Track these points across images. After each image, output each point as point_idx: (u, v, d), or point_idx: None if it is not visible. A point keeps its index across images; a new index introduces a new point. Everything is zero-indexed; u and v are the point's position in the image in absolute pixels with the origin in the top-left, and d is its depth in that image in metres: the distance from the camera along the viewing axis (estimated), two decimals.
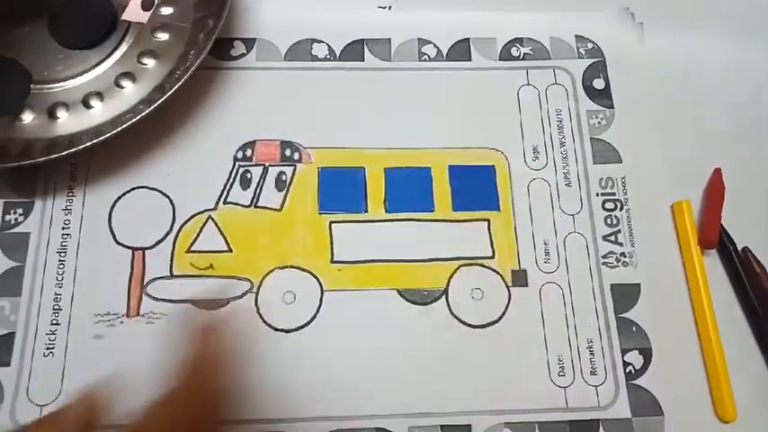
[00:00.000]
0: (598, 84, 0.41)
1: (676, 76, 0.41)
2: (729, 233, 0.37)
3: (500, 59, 0.41)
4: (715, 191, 0.38)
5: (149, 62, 0.38)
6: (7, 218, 0.35)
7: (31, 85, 0.37)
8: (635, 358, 0.35)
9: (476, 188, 0.38)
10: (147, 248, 0.35)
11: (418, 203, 0.37)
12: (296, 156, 0.38)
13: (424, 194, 0.37)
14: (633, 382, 0.35)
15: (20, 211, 0.35)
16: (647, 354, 0.35)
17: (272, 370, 0.33)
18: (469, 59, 0.41)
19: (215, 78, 0.39)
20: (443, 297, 0.35)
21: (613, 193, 0.38)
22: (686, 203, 0.38)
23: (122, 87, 0.38)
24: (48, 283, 0.34)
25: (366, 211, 0.37)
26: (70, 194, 0.36)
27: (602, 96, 0.40)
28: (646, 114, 0.40)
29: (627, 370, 0.35)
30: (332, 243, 0.36)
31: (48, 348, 0.33)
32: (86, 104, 0.37)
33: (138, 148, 0.37)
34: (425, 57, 0.41)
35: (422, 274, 0.36)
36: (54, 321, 0.33)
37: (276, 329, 0.34)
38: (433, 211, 0.37)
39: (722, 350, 0.35)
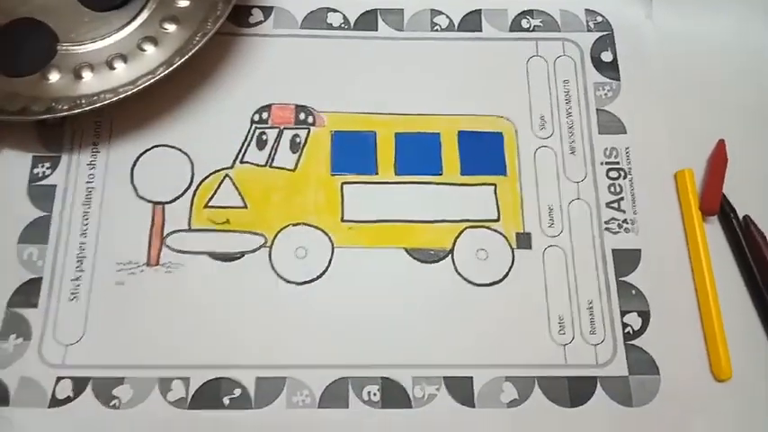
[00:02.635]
0: (606, 56, 0.44)
1: (683, 49, 0.44)
2: (731, 202, 0.41)
3: (510, 30, 0.44)
4: (718, 161, 0.41)
5: (171, 27, 0.42)
6: (36, 171, 0.39)
7: (58, 47, 0.41)
8: (633, 320, 0.38)
9: (484, 154, 0.41)
10: (167, 203, 0.39)
11: (427, 167, 0.41)
12: (310, 119, 0.41)
13: (433, 158, 0.41)
14: (631, 342, 0.38)
15: (47, 164, 0.39)
16: (645, 316, 0.38)
17: (283, 319, 0.37)
18: (480, 30, 0.44)
19: (234, 44, 0.43)
20: (449, 256, 0.39)
21: (617, 162, 0.41)
22: (689, 172, 0.41)
23: (144, 51, 0.41)
24: (73, 233, 0.38)
25: (377, 174, 0.40)
26: (95, 150, 0.40)
27: (610, 69, 0.44)
28: (651, 87, 0.43)
29: (625, 331, 0.38)
30: (343, 203, 0.39)
31: (72, 293, 0.37)
32: (110, 66, 0.41)
33: (160, 108, 0.41)
34: (437, 27, 0.44)
35: (429, 235, 0.39)
36: (78, 268, 0.37)
37: (288, 282, 0.38)
38: (441, 174, 0.40)
39: (720, 312, 0.38)
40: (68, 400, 0.35)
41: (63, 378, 0.35)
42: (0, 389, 0.34)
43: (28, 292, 0.36)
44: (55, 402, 0.35)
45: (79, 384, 0.35)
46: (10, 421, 0.34)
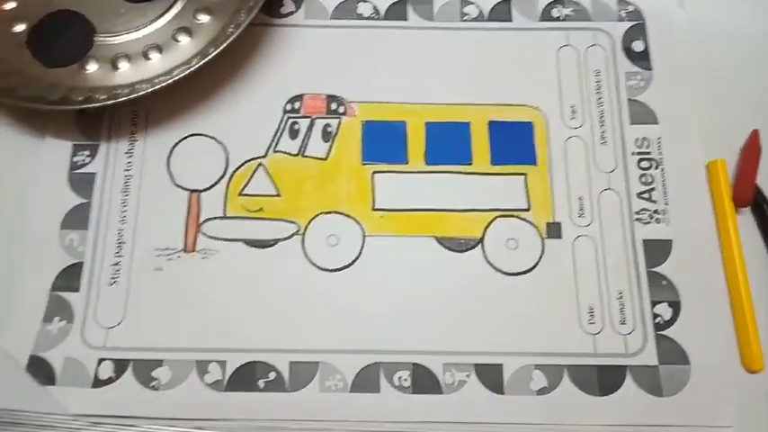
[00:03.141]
0: (637, 46, 0.44)
1: (715, 39, 0.44)
2: (764, 193, 0.41)
3: (540, 20, 0.45)
4: (752, 151, 0.41)
5: (204, 18, 0.43)
6: (75, 159, 0.41)
7: (95, 38, 0.42)
8: (664, 310, 0.39)
9: (514, 143, 0.42)
10: (203, 191, 0.40)
11: (457, 156, 0.41)
12: (341, 109, 0.42)
13: (463, 148, 0.41)
14: (661, 332, 0.38)
15: (87, 152, 0.41)
16: (676, 306, 0.38)
17: (316, 306, 0.38)
18: (510, 20, 0.45)
19: (266, 34, 0.44)
20: (479, 246, 0.40)
21: (648, 153, 0.42)
22: (721, 162, 0.41)
23: (179, 41, 0.42)
24: (112, 219, 0.39)
25: (407, 163, 0.41)
26: (132, 139, 0.41)
27: (641, 58, 0.44)
28: (684, 76, 0.43)
29: (656, 321, 0.38)
30: (374, 192, 0.40)
31: (112, 278, 0.38)
32: (146, 56, 0.42)
33: (195, 98, 0.42)
34: (467, 16, 0.45)
35: (459, 224, 0.40)
36: (118, 254, 0.39)
37: (320, 269, 0.39)
38: (471, 163, 0.41)
39: (751, 302, 0.38)
40: (110, 380, 0.36)
41: (105, 359, 0.37)
42: (47, 369, 0.36)
43: (70, 277, 0.38)
44: (98, 383, 0.36)
45: (120, 366, 0.36)
46: (57, 400, 0.35)
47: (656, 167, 0.41)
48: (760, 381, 0.37)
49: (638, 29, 0.44)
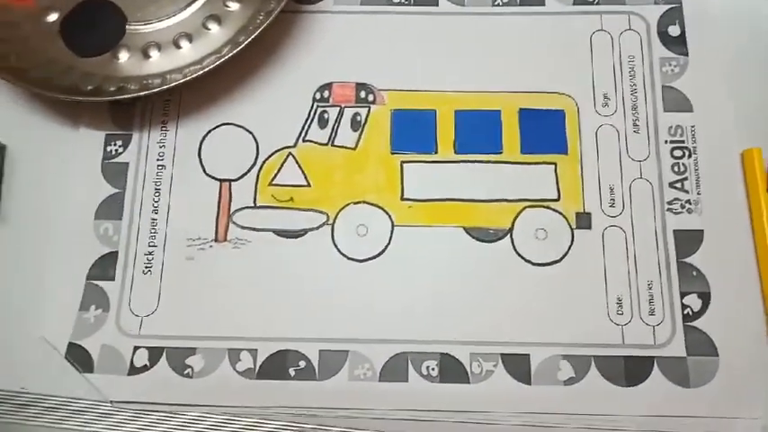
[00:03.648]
0: (673, 30, 0.43)
1: (754, 23, 0.43)
2: None
3: (574, 4, 0.43)
4: None
5: (234, 5, 0.43)
6: (108, 149, 0.41)
7: (126, 26, 0.42)
8: (693, 301, 0.38)
9: (544, 132, 0.41)
10: (233, 180, 0.40)
11: (487, 145, 0.41)
12: (370, 97, 0.42)
13: (493, 137, 0.41)
14: (690, 323, 0.38)
15: (119, 142, 0.41)
16: (705, 298, 0.38)
17: (345, 295, 0.38)
18: (543, 4, 0.43)
19: (294, 21, 0.43)
20: (508, 236, 0.39)
21: (682, 141, 0.41)
22: (757, 151, 0.40)
23: (209, 29, 0.42)
24: (145, 209, 0.40)
25: (436, 152, 0.41)
26: (164, 129, 0.41)
27: (677, 43, 0.43)
28: (720, 63, 0.42)
29: (685, 312, 0.38)
30: (403, 181, 0.40)
31: (146, 267, 0.39)
32: (176, 45, 0.42)
33: (225, 86, 0.42)
34: (498, 2, 0.44)
35: (488, 214, 0.40)
36: (151, 243, 0.39)
37: (350, 259, 0.39)
38: (501, 152, 0.41)
39: None
40: (145, 368, 0.37)
41: (140, 348, 0.37)
42: (85, 356, 0.37)
43: (105, 266, 0.39)
44: (133, 370, 0.37)
45: (155, 354, 0.37)
46: (96, 387, 0.36)
47: (690, 156, 0.41)
48: None
49: (674, 13, 0.43)
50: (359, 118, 0.41)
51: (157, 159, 0.41)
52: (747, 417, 0.36)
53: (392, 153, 0.41)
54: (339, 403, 0.36)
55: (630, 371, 0.37)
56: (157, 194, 0.40)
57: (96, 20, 0.43)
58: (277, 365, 0.37)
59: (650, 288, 0.38)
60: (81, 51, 0.42)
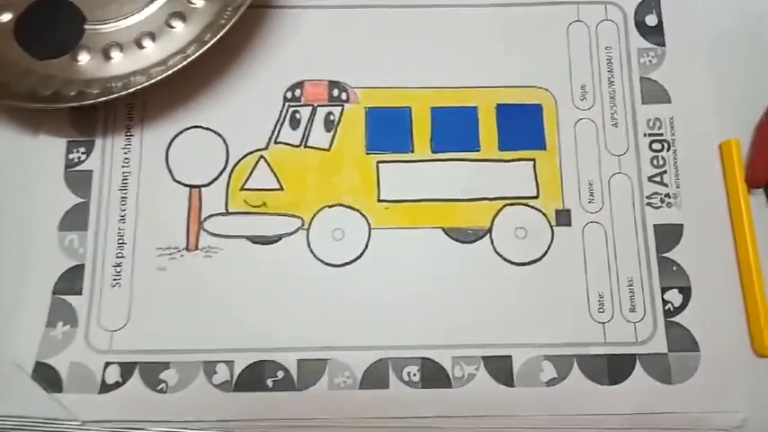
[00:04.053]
0: (650, 20, 0.42)
1: (731, 12, 0.42)
2: None
3: None
4: (766, 130, 0.40)
5: (199, 2, 0.41)
6: (71, 156, 0.39)
7: (85, 26, 0.40)
8: (674, 296, 0.38)
9: (522, 127, 0.40)
10: (203, 186, 0.39)
11: (464, 143, 0.40)
12: (343, 96, 0.40)
13: (471, 134, 0.40)
14: (671, 319, 0.37)
15: (82, 149, 0.39)
16: (686, 292, 0.38)
17: (323, 302, 0.37)
18: None
19: (264, 17, 0.42)
20: (488, 236, 0.38)
21: (661, 134, 0.40)
22: (735, 142, 0.39)
23: (173, 27, 0.40)
24: (111, 219, 0.38)
25: (412, 151, 0.39)
26: (128, 134, 0.39)
27: (654, 34, 0.42)
28: (698, 53, 0.41)
29: (666, 308, 0.38)
30: (379, 182, 0.39)
31: (115, 279, 0.37)
32: (139, 45, 0.40)
33: (191, 87, 0.40)
34: None
35: (467, 214, 0.39)
36: (119, 254, 0.38)
37: (326, 264, 0.38)
38: (479, 150, 0.40)
39: (762, 286, 0.37)
40: (117, 384, 0.36)
41: (111, 363, 0.36)
42: (53, 375, 0.36)
43: (72, 279, 0.37)
44: (105, 387, 0.36)
45: (127, 369, 0.36)
46: (65, 407, 0.35)
47: (668, 149, 0.40)
48: None
49: (651, 1, 0.42)
50: (332, 117, 0.40)
51: (123, 166, 0.39)
52: (729, 410, 0.36)
53: (367, 153, 0.39)
54: (319, 413, 0.36)
55: (613, 369, 0.36)
56: (124, 203, 0.38)
57: (53, 19, 0.40)
58: (255, 377, 0.36)
59: (631, 284, 0.38)
60: (38, 53, 0.40)
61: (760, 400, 0.36)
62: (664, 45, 0.41)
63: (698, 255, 0.38)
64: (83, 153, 0.39)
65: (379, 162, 0.39)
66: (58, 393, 0.35)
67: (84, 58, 0.40)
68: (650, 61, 0.41)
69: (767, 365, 0.37)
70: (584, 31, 0.42)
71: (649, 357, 0.37)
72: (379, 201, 0.39)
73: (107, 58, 0.40)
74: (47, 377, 0.35)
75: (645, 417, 0.36)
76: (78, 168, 0.39)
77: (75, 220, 0.38)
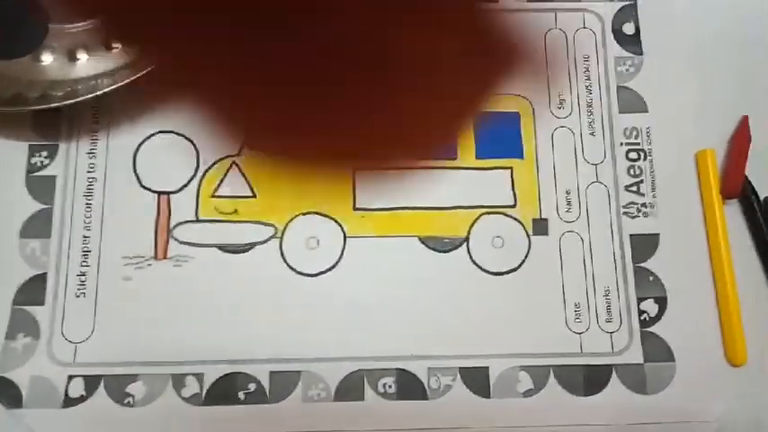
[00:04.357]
0: (628, 29, 0.42)
1: (710, 21, 0.42)
2: (753, 184, 0.40)
3: (528, 1, 0.42)
4: (741, 139, 0.40)
5: None
6: (33, 160, 0.38)
7: (50, 25, 0.39)
8: (650, 306, 0.38)
9: (500, 135, 0.40)
10: (172, 193, 0.38)
11: (441, 150, 0.39)
12: None
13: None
14: (647, 329, 0.37)
15: (44, 153, 0.38)
16: (662, 302, 0.38)
17: (296, 312, 0.37)
18: (496, 1, 0.42)
19: None
20: (464, 245, 0.38)
21: (638, 143, 0.40)
22: (710, 152, 0.40)
23: None
24: (76, 226, 0.37)
25: None
26: (94, 138, 0.38)
27: (632, 42, 0.42)
28: (675, 62, 0.42)
29: (642, 318, 0.38)
30: (354, 190, 0.38)
31: (79, 289, 0.36)
32: (106, 46, 0.39)
33: (159, 90, 0.39)
34: None
35: (443, 222, 0.38)
36: (84, 263, 0.36)
37: (300, 273, 0.37)
38: (455, 158, 0.39)
39: (737, 296, 0.38)
40: (82, 399, 0.35)
41: (75, 376, 0.35)
42: (13, 390, 0.34)
43: (33, 289, 0.36)
44: (68, 402, 0.34)
45: (91, 383, 0.35)
46: (26, 424, 0.34)
47: (645, 158, 0.40)
48: (743, 375, 0.37)
49: (629, 9, 0.42)
50: None
51: (88, 171, 0.38)
52: (703, 420, 0.36)
53: None
54: (293, 426, 0.35)
55: (589, 380, 0.36)
56: (89, 210, 0.37)
57: (14, 17, 0.39)
58: (225, 390, 0.35)
59: (607, 294, 0.38)
60: None
61: (734, 409, 0.37)
62: (641, 54, 0.42)
63: (673, 265, 0.38)
64: (45, 157, 0.38)
65: (354, 169, 0.39)
66: (18, 409, 0.34)
67: (47, 58, 0.38)
68: (627, 70, 0.41)
69: (741, 375, 0.37)
70: (562, 38, 0.42)
71: (625, 368, 0.37)
72: (355, 209, 0.38)
73: (72, 59, 0.38)
74: (6, 392, 0.34)
75: (621, 427, 0.36)
76: (41, 173, 0.38)
77: (37, 227, 0.37)
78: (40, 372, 0.35)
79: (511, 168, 0.39)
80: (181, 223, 0.37)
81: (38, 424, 0.34)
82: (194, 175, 0.38)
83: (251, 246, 0.37)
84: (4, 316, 0.35)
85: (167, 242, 0.37)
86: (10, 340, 0.35)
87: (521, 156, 0.40)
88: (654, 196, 0.39)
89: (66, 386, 0.35)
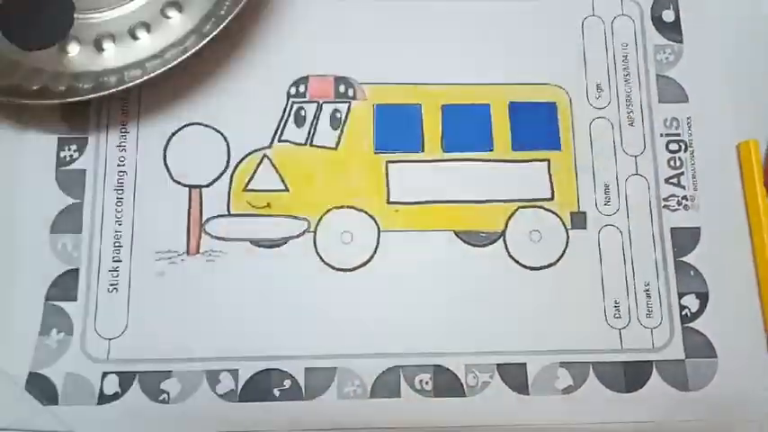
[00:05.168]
0: (667, 16, 0.42)
1: (750, 8, 0.42)
2: None
3: None
4: None
5: None
6: (62, 154, 0.38)
7: (75, 15, 0.39)
8: (691, 302, 0.38)
9: (536, 126, 0.40)
10: (204, 186, 0.38)
11: (476, 142, 0.40)
12: (350, 92, 0.40)
13: (483, 133, 0.40)
14: (688, 325, 0.38)
15: (74, 147, 0.38)
16: (703, 297, 0.38)
17: (331, 308, 0.37)
18: None
19: (266, 8, 0.41)
20: (501, 239, 0.38)
21: (678, 134, 0.40)
22: (753, 143, 0.40)
23: (169, 17, 0.39)
24: (107, 221, 0.37)
25: (423, 151, 0.39)
26: (123, 130, 0.39)
27: (671, 30, 0.42)
28: (716, 50, 0.42)
29: (683, 313, 0.38)
30: (388, 183, 0.39)
31: (111, 285, 0.37)
32: (133, 36, 0.39)
33: (189, 82, 0.39)
34: None
35: (479, 216, 0.39)
36: (116, 258, 0.37)
37: (335, 269, 0.38)
38: (491, 150, 0.39)
39: None
40: (116, 396, 0.35)
41: (109, 373, 0.35)
42: (48, 386, 0.35)
43: (66, 285, 0.36)
44: (103, 399, 0.35)
45: (126, 379, 0.35)
46: (61, 420, 0.34)
47: (686, 150, 0.40)
48: None
49: None
50: (339, 115, 0.40)
51: (118, 165, 0.38)
52: (747, 418, 0.37)
53: (376, 152, 0.39)
54: (328, 423, 0.36)
55: (629, 376, 0.37)
56: (120, 204, 0.38)
57: (39, 6, 0.39)
58: (260, 386, 0.36)
59: (648, 289, 0.38)
60: (24, 44, 0.39)
61: None
62: (681, 42, 0.42)
63: (715, 259, 0.39)
64: (75, 151, 0.38)
65: (388, 162, 0.39)
66: (54, 405, 0.35)
67: (74, 49, 0.39)
68: (667, 58, 0.41)
69: None
70: (600, 26, 0.42)
71: (666, 364, 0.37)
72: (389, 203, 0.39)
73: (99, 49, 0.39)
74: (41, 389, 0.35)
75: (662, 424, 0.36)
76: (70, 167, 0.38)
77: (68, 221, 0.37)
78: (74, 368, 0.35)
79: (548, 160, 0.40)
80: (213, 218, 0.38)
81: (74, 420, 0.35)
82: (225, 169, 0.38)
83: (284, 240, 0.38)
84: (37, 312, 0.36)
85: (200, 237, 0.37)
86: (44, 336, 0.36)
87: (558, 147, 0.40)
88: (695, 189, 0.40)
89: (101, 383, 0.35)
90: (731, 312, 0.38)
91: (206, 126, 0.39)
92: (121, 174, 0.38)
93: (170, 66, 0.36)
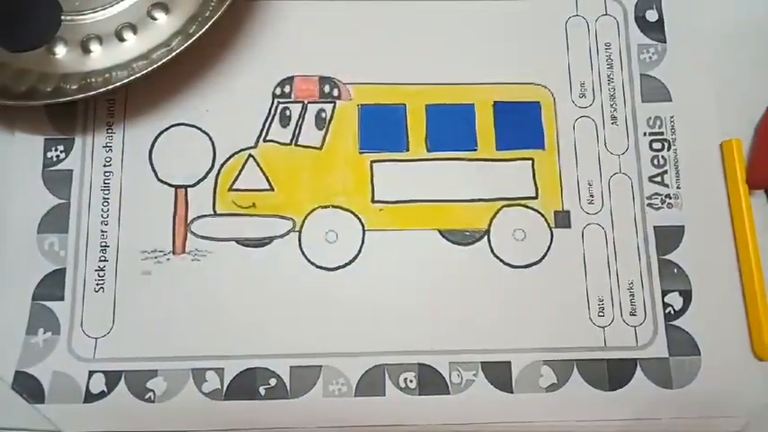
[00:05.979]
0: (651, 15, 0.43)
1: (734, 8, 0.44)
2: None
3: None
4: (767, 129, 0.41)
5: None
6: (49, 155, 0.40)
7: (62, 17, 0.41)
8: (675, 300, 0.39)
9: (520, 126, 0.41)
10: (189, 186, 0.39)
11: (461, 142, 0.41)
12: (335, 92, 0.41)
13: (467, 132, 0.41)
14: (672, 323, 0.39)
15: (61, 147, 0.40)
16: (687, 295, 0.39)
17: (316, 307, 0.38)
18: None
19: (252, 9, 0.42)
20: (485, 238, 0.40)
21: (661, 133, 0.42)
22: (736, 142, 0.41)
23: (155, 19, 0.41)
24: (93, 221, 0.39)
25: (407, 150, 0.41)
26: (110, 131, 0.40)
27: (655, 30, 0.43)
28: (699, 50, 0.43)
29: (666, 311, 0.39)
30: (373, 182, 0.40)
31: (98, 284, 0.38)
32: (119, 37, 0.40)
33: (175, 82, 0.41)
34: None
35: (464, 215, 0.40)
36: (102, 258, 0.38)
37: (319, 267, 0.39)
38: (476, 149, 0.41)
39: (764, 288, 0.39)
40: (103, 394, 0.36)
41: (95, 372, 0.37)
42: (35, 385, 0.36)
43: (52, 284, 0.38)
44: (90, 397, 0.36)
45: (112, 378, 0.37)
46: (48, 418, 0.36)
47: (669, 148, 0.42)
48: None
49: None
50: (324, 115, 0.41)
51: (104, 165, 0.40)
52: (731, 415, 0.38)
53: (360, 152, 0.40)
54: (313, 422, 0.37)
55: (613, 374, 0.38)
56: (106, 204, 0.39)
57: (26, 9, 0.41)
58: (246, 384, 0.37)
59: (631, 287, 0.39)
60: (11, 45, 0.40)
61: (761, 404, 0.38)
62: (664, 41, 0.43)
63: (699, 257, 0.40)
64: (62, 151, 0.40)
65: (372, 161, 0.40)
66: (41, 404, 0.36)
67: (61, 51, 0.40)
68: (650, 58, 0.43)
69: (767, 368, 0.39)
70: (583, 26, 0.43)
71: (650, 362, 0.38)
72: (374, 202, 0.40)
73: (86, 51, 0.40)
74: (28, 387, 0.36)
75: (646, 422, 0.38)
76: (57, 168, 0.39)
77: (55, 222, 0.39)
78: (60, 367, 0.37)
79: (532, 159, 0.41)
80: (198, 217, 0.39)
81: (60, 419, 0.36)
82: (211, 169, 0.40)
83: (269, 240, 0.39)
84: (23, 311, 0.37)
85: (185, 236, 0.39)
86: (30, 335, 0.37)
87: (542, 146, 0.41)
88: (678, 187, 0.41)
89: (87, 382, 0.36)
90: (714, 310, 0.39)
91: (191, 126, 0.40)
92: (108, 174, 0.39)
93: (156, 66, 0.38)
